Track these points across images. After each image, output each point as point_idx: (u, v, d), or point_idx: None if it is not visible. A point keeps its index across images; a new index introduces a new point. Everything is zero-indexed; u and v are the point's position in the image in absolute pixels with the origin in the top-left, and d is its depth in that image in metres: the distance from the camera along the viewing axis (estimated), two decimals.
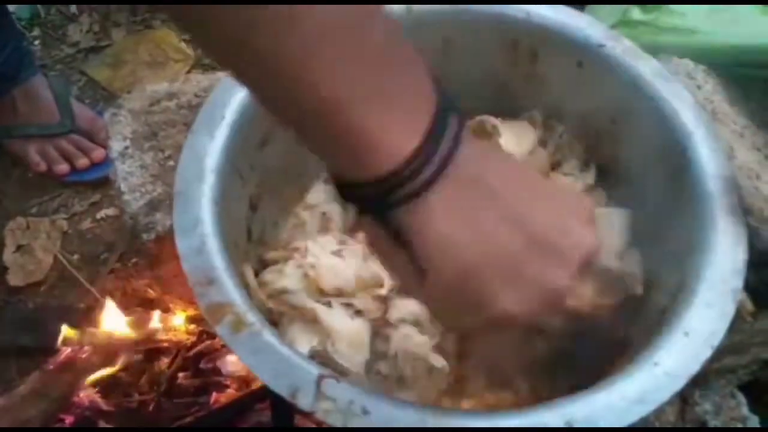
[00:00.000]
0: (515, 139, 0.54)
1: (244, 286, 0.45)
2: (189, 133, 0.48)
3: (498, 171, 0.31)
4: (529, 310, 0.31)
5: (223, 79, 0.51)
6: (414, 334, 0.47)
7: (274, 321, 0.48)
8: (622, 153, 0.54)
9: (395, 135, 0.28)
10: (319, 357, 0.45)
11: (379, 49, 0.27)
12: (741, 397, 0.54)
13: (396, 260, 0.32)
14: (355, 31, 0.26)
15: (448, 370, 0.47)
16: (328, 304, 0.47)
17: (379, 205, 0.29)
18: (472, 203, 0.30)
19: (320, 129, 0.28)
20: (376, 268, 0.48)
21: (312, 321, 0.46)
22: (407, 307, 0.48)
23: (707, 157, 0.47)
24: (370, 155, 0.28)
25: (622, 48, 0.52)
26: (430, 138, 0.28)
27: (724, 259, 0.42)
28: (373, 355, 0.47)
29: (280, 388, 0.36)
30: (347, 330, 0.46)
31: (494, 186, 0.30)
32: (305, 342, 0.45)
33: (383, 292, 0.48)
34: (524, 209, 0.30)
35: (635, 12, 0.64)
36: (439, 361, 0.47)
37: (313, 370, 0.37)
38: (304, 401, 0.36)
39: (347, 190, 0.30)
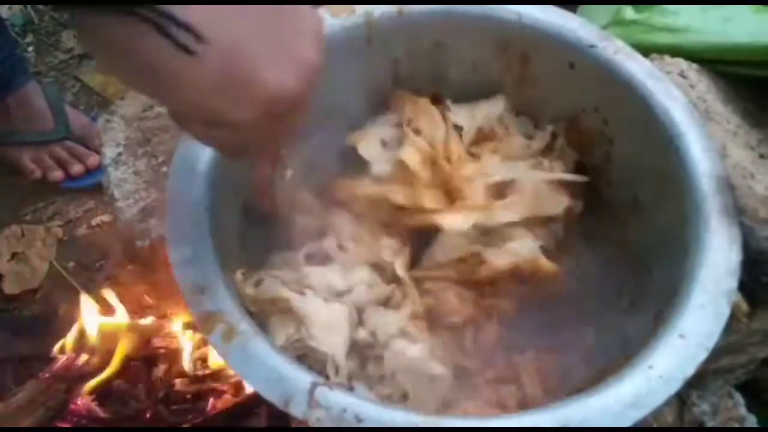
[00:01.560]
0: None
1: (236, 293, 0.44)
2: (180, 140, 0.48)
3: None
4: (293, 82, 0.32)
5: None
6: (406, 347, 0.46)
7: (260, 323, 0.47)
8: (615, 153, 0.54)
9: None
10: (295, 347, 0.45)
11: None
12: (738, 398, 0.54)
13: (146, 69, 0.30)
14: None
15: (450, 377, 0.47)
16: (302, 293, 0.46)
17: None
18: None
19: None
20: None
21: (287, 311, 0.46)
22: (390, 322, 0.47)
23: (700, 157, 0.47)
24: None
25: (613, 48, 0.52)
26: None
27: (718, 260, 0.42)
28: (370, 378, 0.46)
29: (273, 397, 0.36)
30: (321, 314, 0.45)
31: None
32: (282, 333, 0.45)
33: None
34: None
35: (628, 11, 0.64)
36: (439, 369, 0.46)
37: (306, 378, 0.37)
38: (296, 410, 0.35)
39: None
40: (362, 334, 0.46)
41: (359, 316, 0.48)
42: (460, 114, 0.55)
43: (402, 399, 0.46)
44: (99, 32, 0.29)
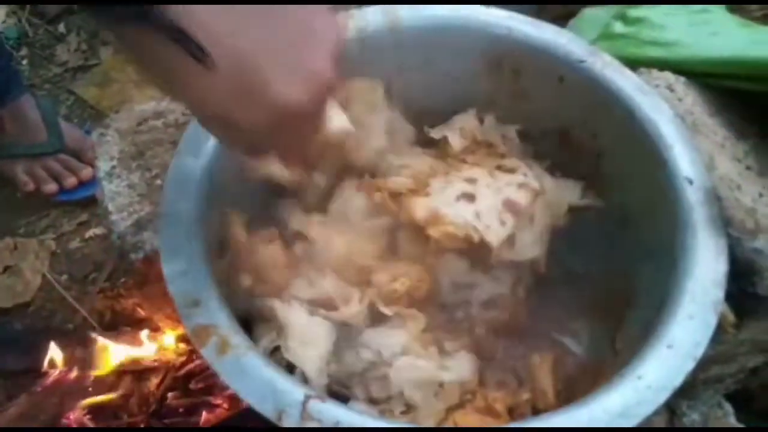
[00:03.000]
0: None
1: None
2: (175, 154, 0.48)
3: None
4: (302, 94, 0.32)
5: None
6: (414, 362, 0.46)
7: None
8: (604, 167, 0.54)
9: None
10: (276, 357, 0.45)
11: None
12: (728, 407, 0.54)
13: (166, 73, 0.32)
14: None
15: (458, 383, 0.47)
16: (288, 302, 0.47)
17: (139, 11, 0.29)
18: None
19: None
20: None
21: (271, 318, 0.46)
22: (392, 341, 0.47)
23: (687, 169, 0.48)
24: None
25: (602, 63, 0.53)
26: None
27: (706, 271, 0.43)
28: (376, 400, 0.47)
29: (266, 410, 0.36)
30: (300, 326, 0.45)
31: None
32: (265, 339, 0.45)
33: None
34: (272, 6, 0.32)
35: (617, 25, 0.65)
36: (449, 375, 0.47)
37: (299, 391, 0.37)
38: (289, 423, 0.36)
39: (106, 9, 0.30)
40: (365, 354, 0.47)
41: (355, 338, 0.48)
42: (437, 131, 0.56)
43: (407, 412, 0.46)
44: (125, 38, 0.31)
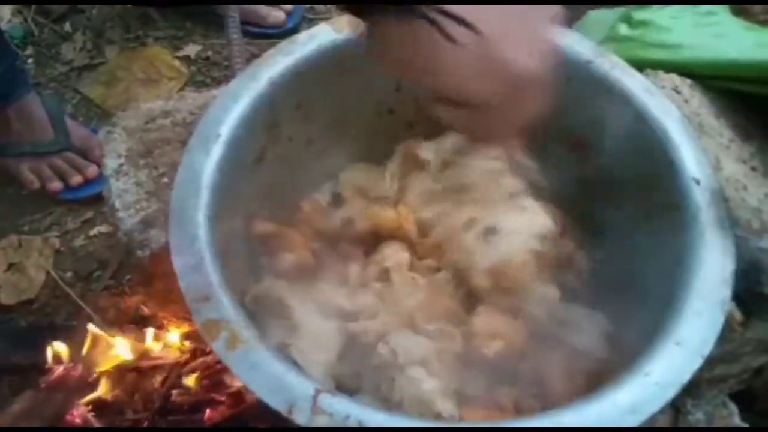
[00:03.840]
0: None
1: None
2: (185, 151, 0.48)
3: None
4: (537, 63, 0.36)
5: (218, 96, 0.52)
6: (422, 379, 0.46)
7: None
8: (611, 167, 0.55)
9: None
10: (284, 353, 0.45)
11: None
12: (732, 407, 0.55)
13: (416, 56, 0.36)
14: None
15: (458, 418, 0.46)
16: (304, 304, 0.47)
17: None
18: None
19: None
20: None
21: (286, 316, 0.46)
22: (414, 347, 0.47)
23: (694, 170, 0.48)
24: None
25: (609, 64, 0.53)
26: None
27: (713, 270, 0.43)
28: (377, 399, 0.47)
29: (277, 404, 0.36)
30: (313, 328, 0.46)
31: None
32: (276, 336, 0.45)
33: None
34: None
35: (623, 28, 0.66)
36: (447, 410, 0.46)
37: (310, 385, 0.37)
38: (300, 416, 0.36)
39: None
40: (383, 350, 0.47)
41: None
42: (429, 149, 0.57)
43: None
44: (381, 29, 0.36)
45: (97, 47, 1.13)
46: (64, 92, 1.08)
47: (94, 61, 1.11)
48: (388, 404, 0.46)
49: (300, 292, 0.48)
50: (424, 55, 0.36)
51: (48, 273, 0.88)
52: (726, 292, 0.42)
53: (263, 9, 1.12)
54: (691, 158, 0.48)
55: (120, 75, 1.09)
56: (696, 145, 0.49)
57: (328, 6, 1.16)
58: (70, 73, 1.10)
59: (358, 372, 0.48)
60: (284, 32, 1.11)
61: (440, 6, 0.34)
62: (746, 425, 0.54)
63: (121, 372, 0.71)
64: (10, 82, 0.91)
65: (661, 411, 0.38)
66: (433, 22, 0.34)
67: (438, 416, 0.46)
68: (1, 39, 0.88)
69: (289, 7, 1.14)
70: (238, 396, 0.68)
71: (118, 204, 0.57)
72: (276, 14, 1.12)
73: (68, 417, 0.68)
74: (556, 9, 0.39)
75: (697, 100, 0.56)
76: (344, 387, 0.48)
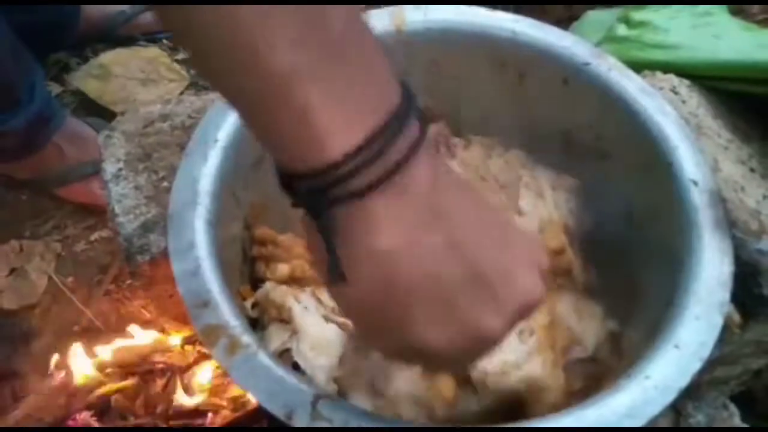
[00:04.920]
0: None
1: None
2: (183, 156, 0.49)
3: (453, 193, 0.29)
4: (449, 347, 0.29)
5: (217, 100, 0.52)
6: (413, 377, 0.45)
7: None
8: (609, 169, 0.55)
9: (341, 126, 0.26)
10: (286, 357, 0.45)
11: (336, 33, 0.25)
12: (733, 408, 0.55)
13: (318, 262, 0.30)
14: (313, 10, 0.25)
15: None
16: (306, 308, 0.47)
17: (317, 201, 0.27)
18: (418, 221, 0.27)
19: (265, 108, 0.26)
20: None
21: (288, 320, 0.46)
22: (403, 385, 0.46)
23: (692, 171, 0.48)
24: (312, 143, 0.26)
25: (607, 65, 0.53)
26: (381, 137, 0.26)
27: (711, 272, 0.43)
28: (372, 395, 0.46)
29: (276, 410, 0.36)
30: (314, 331, 0.46)
31: (446, 208, 0.28)
32: (277, 340, 0.45)
33: None
34: (472, 242, 0.28)
35: (621, 28, 0.66)
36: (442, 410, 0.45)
37: (309, 390, 0.37)
38: (299, 422, 0.36)
39: (288, 182, 0.28)
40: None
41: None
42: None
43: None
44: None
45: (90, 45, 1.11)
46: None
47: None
48: (382, 400, 0.46)
49: (300, 296, 0.48)
50: (323, 267, 0.29)
51: (50, 278, 0.88)
52: (724, 295, 0.42)
53: None
54: (689, 159, 0.48)
55: (116, 71, 1.07)
56: (694, 146, 0.49)
57: None
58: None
59: (356, 370, 0.48)
60: None
61: (339, 228, 0.27)
62: (746, 426, 0.54)
63: (122, 376, 0.71)
64: (48, 102, 0.88)
65: (661, 414, 0.38)
66: (330, 245, 0.28)
67: (433, 413, 0.46)
68: (26, 55, 0.84)
69: None
70: (240, 401, 0.68)
71: (117, 209, 0.57)
72: None
73: (70, 422, 0.68)
74: (532, 299, 0.30)
75: (695, 100, 0.56)
76: (344, 388, 0.48)
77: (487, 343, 0.30)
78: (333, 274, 0.28)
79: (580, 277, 0.49)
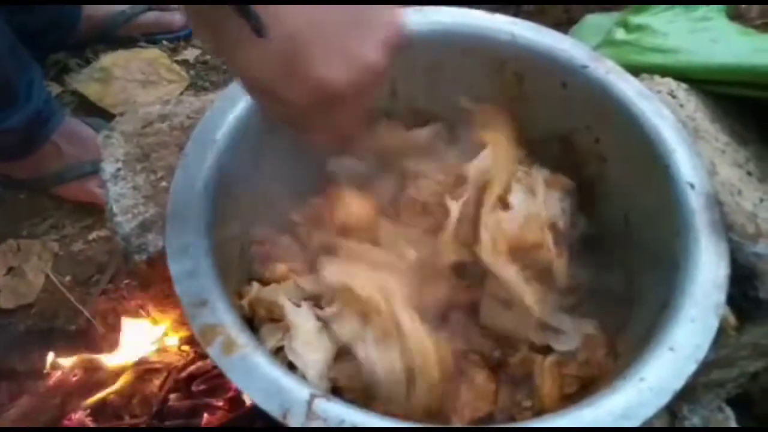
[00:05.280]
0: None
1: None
2: (181, 156, 0.49)
3: None
4: (344, 79, 0.34)
5: (216, 101, 0.52)
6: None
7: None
8: (606, 171, 0.55)
9: None
10: (280, 356, 0.45)
11: None
12: (729, 411, 0.55)
13: (224, 35, 0.34)
14: None
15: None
16: (297, 304, 0.47)
17: None
18: None
19: None
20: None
21: (279, 318, 0.47)
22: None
23: (689, 174, 0.48)
24: None
25: (605, 68, 0.54)
26: None
27: (707, 275, 0.43)
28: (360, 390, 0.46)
29: (271, 409, 0.36)
30: (307, 328, 0.46)
31: None
32: (272, 339, 0.46)
33: None
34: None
35: (619, 32, 0.66)
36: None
37: (305, 390, 0.37)
38: (294, 421, 0.36)
39: None
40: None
41: None
42: None
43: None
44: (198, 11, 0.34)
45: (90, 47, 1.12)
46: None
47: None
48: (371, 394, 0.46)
49: (294, 294, 0.48)
50: (230, 37, 0.34)
51: (47, 277, 0.88)
52: (720, 297, 0.42)
53: (167, 16, 1.12)
54: (686, 163, 0.49)
55: (117, 73, 1.07)
56: (691, 149, 0.49)
57: None
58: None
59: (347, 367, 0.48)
60: (192, 31, 1.13)
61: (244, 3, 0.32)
62: (740, 426, 0.54)
63: (119, 376, 0.71)
64: (48, 102, 0.88)
65: (656, 416, 0.38)
66: (240, 10, 0.32)
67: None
68: (26, 54, 0.84)
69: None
70: (236, 400, 0.68)
71: (115, 208, 0.57)
72: (180, 17, 1.13)
73: (66, 421, 0.68)
74: (395, 24, 0.36)
75: (692, 104, 0.56)
76: (338, 385, 0.48)
77: (375, 74, 0.35)
78: (257, 32, 0.32)
79: (562, 275, 0.49)
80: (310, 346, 0.46)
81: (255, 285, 0.49)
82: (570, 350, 0.48)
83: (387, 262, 0.48)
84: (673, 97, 0.56)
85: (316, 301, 0.48)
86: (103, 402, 0.70)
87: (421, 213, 0.52)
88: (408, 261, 0.49)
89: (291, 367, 0.45)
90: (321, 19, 0.33)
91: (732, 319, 0.44)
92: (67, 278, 0.89)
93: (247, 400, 0.65)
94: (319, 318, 0.47)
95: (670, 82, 0.58)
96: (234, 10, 0.32)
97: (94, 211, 0.92)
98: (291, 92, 0.35)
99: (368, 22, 0.35)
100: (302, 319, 0.46)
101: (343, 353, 0.47)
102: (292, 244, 0.51)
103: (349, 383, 0.46)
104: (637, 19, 0.66)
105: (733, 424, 0.54)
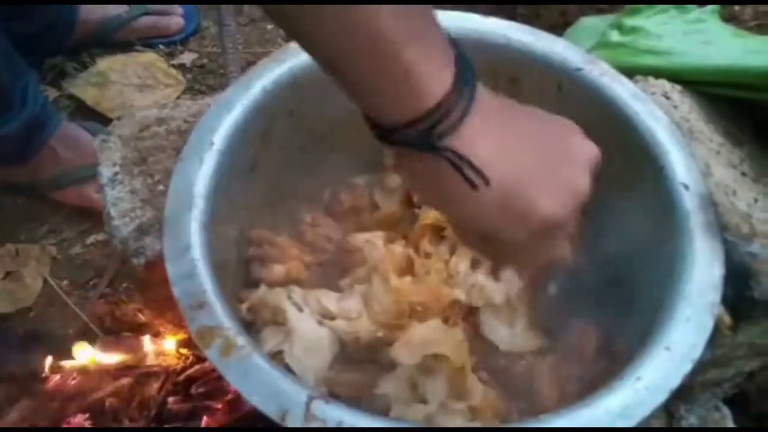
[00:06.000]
0: None
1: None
2: (178, 160, 0.49)
3: (506, 102, 0.38)
4: (561, 209, 0.36)
5: (213, 105, 0.52)
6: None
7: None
8: (601, 173, 0.55)
9: (436, 70, 0.32)
10: (278, 359, 0.46)
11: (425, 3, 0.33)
12: (726, 411, 0.55)
13: (438, 190, 0.36)
14: None
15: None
16: (300, 309, 0.48)
17: (424, 140, 0.33)
18: (498, 126, 0.35)
19: (368, 66, 0.31)
20: None
21: (282, 322, 0.47)
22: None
23: (684, 175, 0.48)
24: (417, 90, 0.32)
25: (599, 71, 0.54)
26: (460, 72, 0.33)
27: (702, 275, 0.43)
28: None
29: (270, 411, 0.37)
30: (307, 334, 0.46)
31: (509, 112, 0.37)
32: (272, 342, 0.46)
33: None
34: (535, 129, 0.37)
35: (614, 34, 0.66)
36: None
37: (303, 391, 0.37)
38: (293, 423, 0.36)
39: (390, 134, 0.34)
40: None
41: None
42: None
43: None
44: (407, 160, 0.35)
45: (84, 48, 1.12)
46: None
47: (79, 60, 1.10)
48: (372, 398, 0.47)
49: (295, 297, 0.48)
50: (446, 192, 0.35)
51: (45, 281, 0.88)
52: (715, 297, 0.43)
53: (163, 20, 1.12)
54: (680, 164, 0.49)
55: (113, 77, 1.07)
56: (685, 150, 0.50)
57: None
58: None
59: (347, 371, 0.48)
60: (188, 35, 1.14)
61: (461, 149, 0.33)
62: (737, 426, 0.54)
63: (117, 379, 0.71)
64: (43, 106, 0.88)
65: (653, 415, 0.38)
66: (453, 164, 0.34)
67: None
68: (17, 59, 0.84)
69: (180, 10, 1.14)
70: (234, 403, 0.68)
71: (113, 212, 0.57)
72: (177, 21, 1.13)
73: (65, 425, 0.68)
74: (593, 154, 0.39)
75: (687, 105, 0.56)
76: (336, 390, 0.48)
77: (585, 196, 0.38)
78: (472, 183, 0.34)
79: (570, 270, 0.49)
80: (311, 352, 0.46)
81: (262, 287, 0.49)
82: (566, 349, 0.48)
83: None
84: (668, 98, 0.57)
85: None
86: (101, 405, 0.70)
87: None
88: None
89: (288, 371, 0.46)
90: (531, 161, 0.36)
91: (727, 319, 0.45)
92: (65, 282, 0.89)
93: (246, 402, 0.65)
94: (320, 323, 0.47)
95: (664, 84, 0.58)
96: (450, 166, 0.34)
97: (92, 215, 0.92)
98: (512, 231, 0.36)
99: (572, 154, 0.38)
100: (303, 324, 0.46)
101: (340, 360, 0.48)
102: (290, 246, 0.51)
103: (346, 390, 0.47)
104: (631, 21, 0.66)
105: (730, 423, 0.54)
